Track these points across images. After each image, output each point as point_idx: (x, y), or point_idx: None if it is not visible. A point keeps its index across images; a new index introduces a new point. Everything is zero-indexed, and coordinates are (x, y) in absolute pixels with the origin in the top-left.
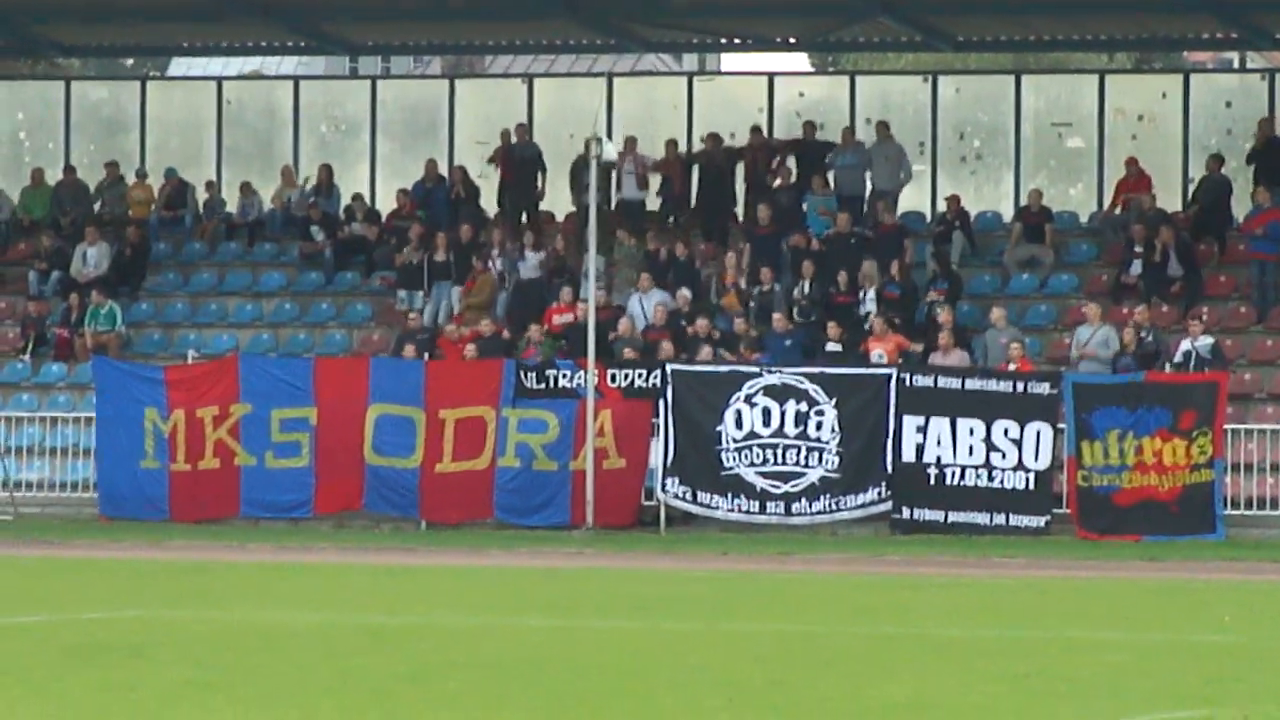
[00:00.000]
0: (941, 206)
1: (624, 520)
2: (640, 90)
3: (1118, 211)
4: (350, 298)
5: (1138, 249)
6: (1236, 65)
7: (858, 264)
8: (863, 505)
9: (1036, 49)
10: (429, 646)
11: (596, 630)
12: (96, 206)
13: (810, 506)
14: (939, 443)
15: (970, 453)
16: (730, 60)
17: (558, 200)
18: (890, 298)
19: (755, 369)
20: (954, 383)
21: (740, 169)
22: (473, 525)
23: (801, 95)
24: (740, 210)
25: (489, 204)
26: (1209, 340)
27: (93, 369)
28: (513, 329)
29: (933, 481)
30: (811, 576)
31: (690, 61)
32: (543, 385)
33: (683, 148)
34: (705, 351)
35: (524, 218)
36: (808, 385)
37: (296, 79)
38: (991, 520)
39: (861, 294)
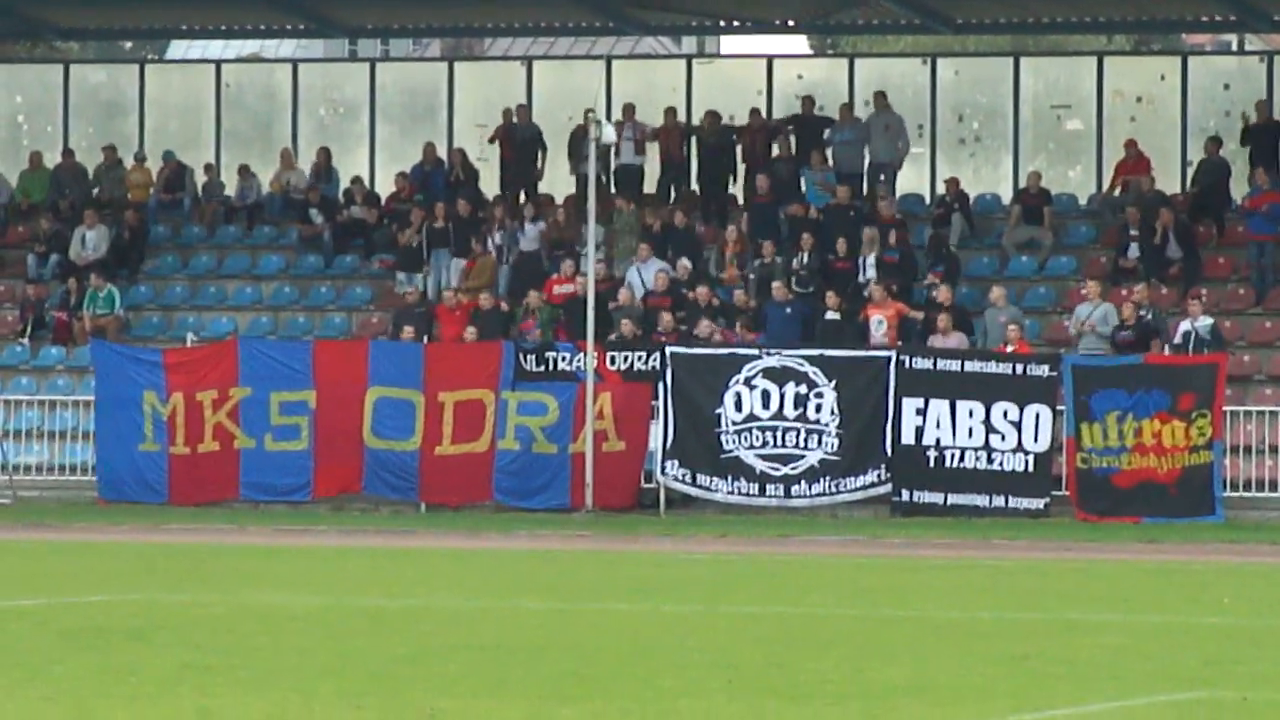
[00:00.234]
0: (940, 189)
1: (623, 503)
2: (639, 73)
3: (1116, 193)
4: (349, 281)
5: (1133, 232)
6: (1235, 47)
7: (857, 234)
8: (862, 487)
9: (1035, 31)
10: (428, 629)
11: (596, 612)
12: (95, 190)
13: (810, 489)
14: (938, 425)
15: (970, 435)
16: (729, 43)
17: (557, 181)
18: (889, 263)
19: (754, 351)
20: (953, 365)
21: (739, 150)
22: (472, 508)
23: (800, 78)
24: (740, 187)
25: (488, 187)
26: (1209, 321)
27: (91, 352)
28: (512, 303)
29: (932, 464)
30: (811, 559)
31: (689, 44)
32: (542, 368)
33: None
34: (704, 325)
35: (524, 196)
36: (807, 367)
37: (295, 62)
38: (991, 502)
39: (861, 260)
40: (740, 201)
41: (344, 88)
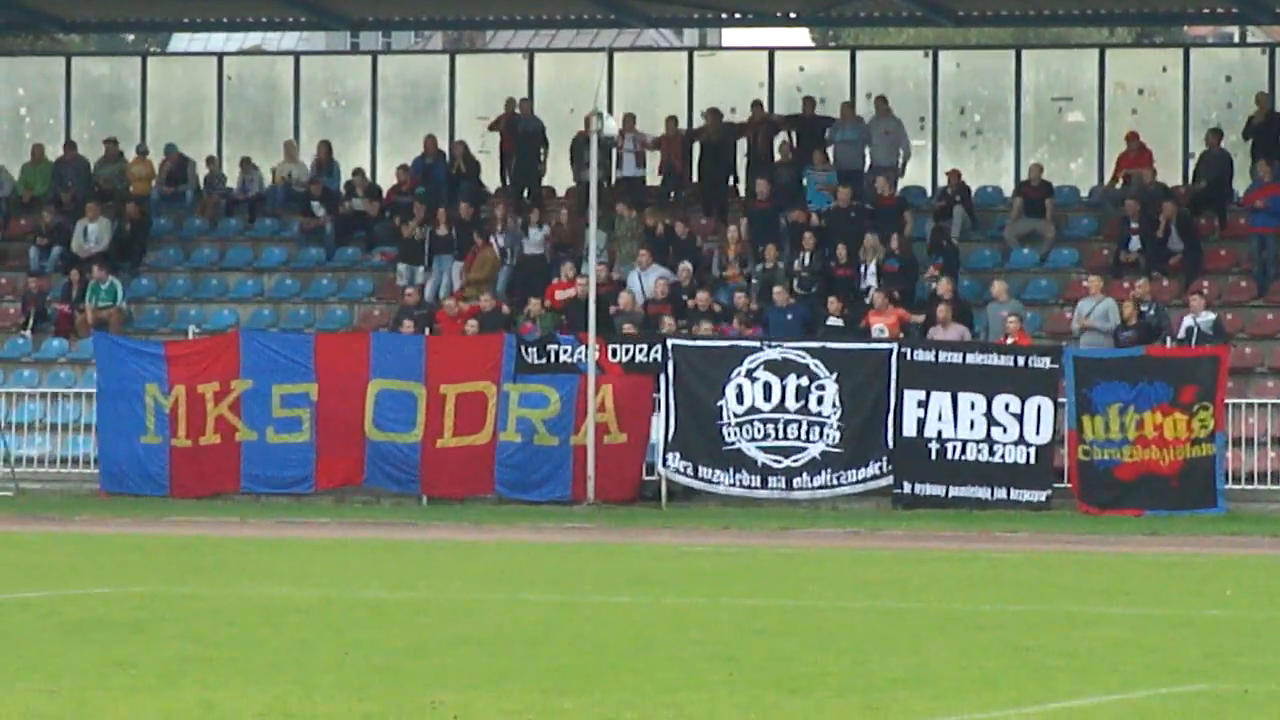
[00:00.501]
0: (942, 181)
1: (625, 495)
2: (641, 65)
3: (1118, 186)
4: (351, 273)
5: (1134, 225)
6: (1237, 39)
7: (858, 238)
8: (864, 480)
9: (1037, 23)
10: (430, 621)
11: (597, 605)
12: (97, 183)
13: (811, 481)
14: (940, 417)
15: (971, 427)
16: (731, 35)
17: (559, 175)
18: (890, 271)
19: (756, 343)
20: (955, 357)
21: (741, 145)
22: (474, 500)
23: (802, 70)
24: (741, 186)
25: (489, 179)
26: (1210, 315)
27: (93, 344)
28: (515, 305)
29: (934, 456)
30: (812, 551)
31: (691, 36)
32: (543, 360)
33: (683, 124)
34: (706, 327)
35: (526, 193)
36: (809, 360)
37: (297, 54)
38: (993, 495)
39: (862, 268)
40: (741, 198)
41: (345, 80)
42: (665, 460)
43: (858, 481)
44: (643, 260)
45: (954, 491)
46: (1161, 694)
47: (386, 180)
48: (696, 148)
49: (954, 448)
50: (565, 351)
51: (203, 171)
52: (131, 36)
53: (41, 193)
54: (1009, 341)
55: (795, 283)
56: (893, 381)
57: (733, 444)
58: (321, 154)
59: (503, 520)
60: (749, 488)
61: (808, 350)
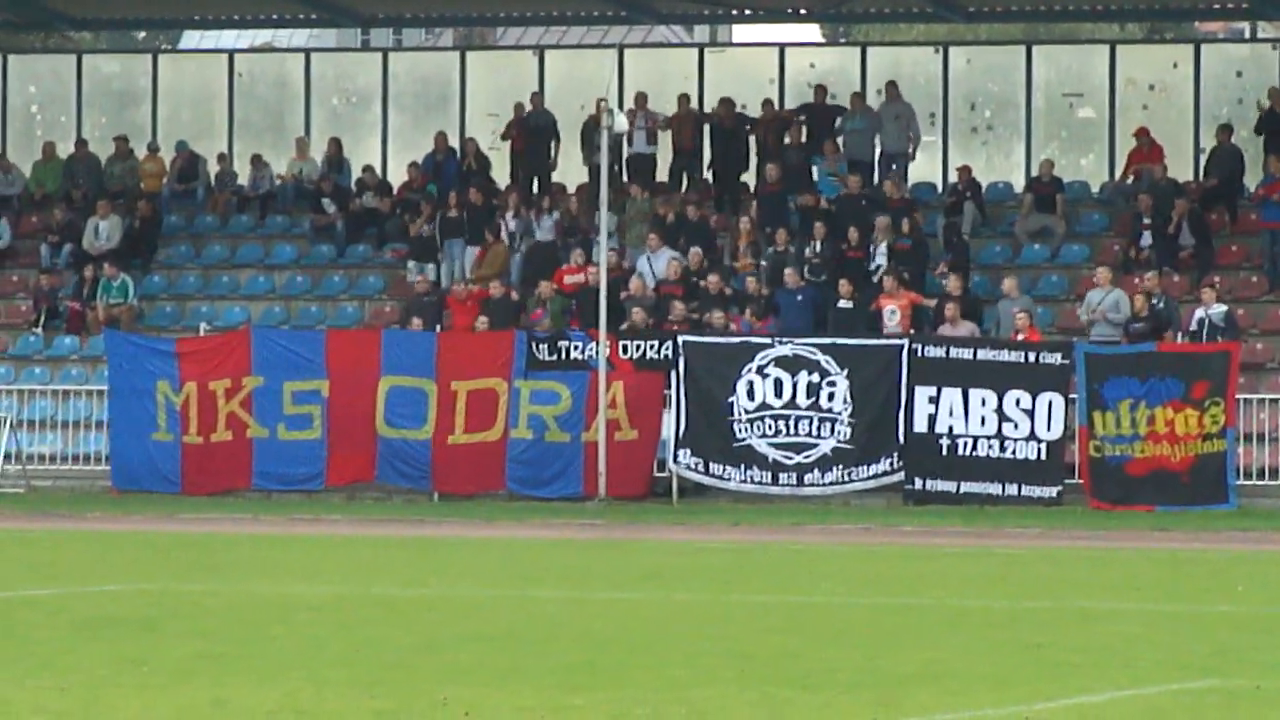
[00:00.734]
0: (952, 177)
1: (636, 491)
2: (651, 62)
3: (1129, 182)
4: (362, 270)
5: (1146, 220)
6: (1247, 35)
7: (868, 223)
8: (875, 476)
9: (1047, 19)
10: (441, 618)
11: (608, 601)
12: (109, 180)
13: (822, 477)
14: (951, 413)
15: (982, 423)
16: (741, 31)
17: (570, 170)
18: (902, 250)
19: (767, 340)
20: (965, 353)
21: (752, 140)
22: (485, 497)
23: (812, 66)
24: (753, 180)
25: (500, 176)
26: (1222, 307)
27: (105, 342)
28: (526, 292)
29: (945, 452)
30: (824, 547)
31: (701, 33)
32: (554, 357)
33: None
34: (717, 314)
35: (536, 185)
36: (819, 356)
37: (308, 51)
38: (1004, 491)
39: (872, 249)
40: (752, 190)
41: (356, 77)
42: (676, 457)
43: (869, 478)
44: (652, 243)
45: (965, 487)
46: (1173, 690)
47: (397, 177)
48: (709, 136)
49: (965, 444)
50: (576, 348)
51: (214, 169)
52: (142, 34)
53: (53, 190)
54: (1019, 337)
55: (806, 269)
56: (904, 377)
57: (744, 440)
58: (332, 151)
59: (514, 517)
60: (760, 484)
61: (819, 346)
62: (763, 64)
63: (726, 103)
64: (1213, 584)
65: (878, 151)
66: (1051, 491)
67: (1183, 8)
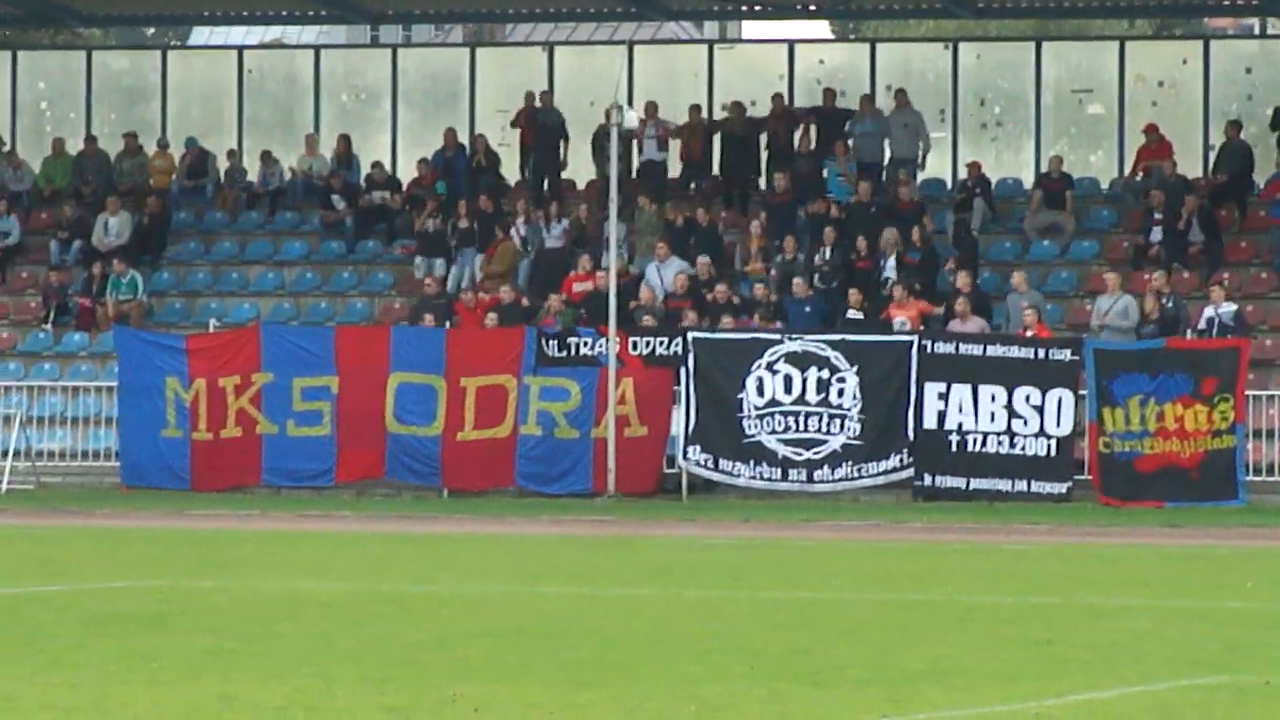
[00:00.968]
0: (962, 173)
1: (645, 488)
2: (661, 58)
3: (1138, 178)
4: (371, 266)
5: (1157, 216)
6: (1257, 31)
7: (878, 231)
8: (884, 472)
9: (1056, 15)
10: (450, 614)
11: (617, 598)
12: (118, 176)
13: (832, 474)
14: (961, 409)
15: (992, 419)
16: (751, 28)
17: (579, 168)
18: (910, 264)
19: (776, 336)
20: (975, 349)
21: (763, 140)
22: (494, 493)
23: (822, 63)
24: (763, 179)
25: (509, 172)
26: (1232, 307)
27: (114, 338)
28: (534, 297)
29: (954, 448)
30: (833, 544)
31: (711, 29)
32: (564, 353)
33: (705, 115)
34: (726, 320)
35: (545, 185)
36: (829, 352)
37: (317, 48)
38: (1013, 487)
39: (882, 260)
40: (762, 192)
41: (366, 74)
42: (686, 453)
43: (878, 474)
44: (660, 253)
45: (974, 484)
46: (1183, 686)
47: (407, 174)
48: (718, 139)
49: (974, 440)
50: (586, 344)
51: (223, 165)
52: (152, 30)
53: (62, 186)
54: (1027, 334)
55: (816, 277)
56: (913, 374)
57: (753, 436)
58: (341, 147)
59: (523, 513)
60: (769, 480)
61: (828, 343)
62: (772, 61)
63: (737, 107)
64: (1222, 580)
65: (887, 156)
66: (1061, 488)
67: (1192, 4)
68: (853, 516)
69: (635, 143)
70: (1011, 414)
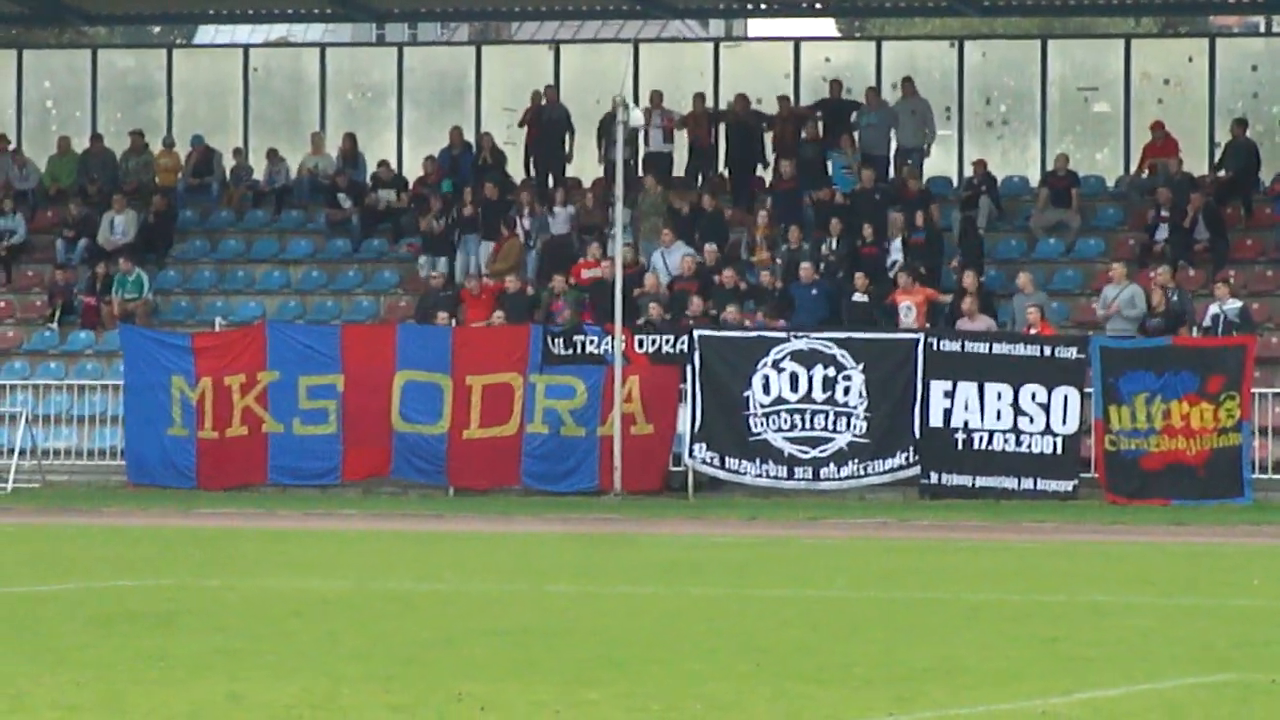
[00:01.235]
0: (968, 171)
1: (652, 486)
2: (667, 57)
3: (1144, 176)
4: (377, 265)
5: (1164, 213)
6: (1263, 29)
7: (883, 218)
8: (890, 470)
9: (1062, 13)
10: (456, 612)
11: (623, 596)
12: (123, 175)
13: (838, 472)
14: (966, 407)
15: (998, 417)
16: (756, 26)
17: (585, 165)
18: (916, 245)
19: (783, 334)
20: (981, 347)
21: (769, 138)
22: (500, 491)
23: (828, 61)
24: (768, 175)
25: (515, 171)
26: (1237, 304)
27: (120, 337)
28: (541, 286)
29: (960, 446)
30: (839, 542)
31: (716, 27)
32: (570, 351)
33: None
34: (732, 310)
35: (550, 180)
36: (835, 350)
37: (323, 46)
38: (1019, 485)
39: (887, 244)
40: (767, 185)
41: (371, 72)
42: (692, 451)
43: (884, 472)
44: (665, 238)
45: (980, 482)
46: (1189, 684)
47: (413, 172)
48: (724, 133)
49: (980, 438)
50: (592, 342)
51: (229, 163)
52: (157, 29)
53: (68, 185)
54: (1031, 333)
55: (822, 267)
56: (919, 372)
57: (759, 434)
58: (347, 146)
59: (529, 511)
60: (776, 478)
61: (834, 340)
62: (778, 59)
63: (742, 99)
64: (1228, 578)
65: (893, 147)
66: (1067, 486)
67: (1198, 2)
68: (859, 514)
69: (641, 134)
70: (1017, 412)
